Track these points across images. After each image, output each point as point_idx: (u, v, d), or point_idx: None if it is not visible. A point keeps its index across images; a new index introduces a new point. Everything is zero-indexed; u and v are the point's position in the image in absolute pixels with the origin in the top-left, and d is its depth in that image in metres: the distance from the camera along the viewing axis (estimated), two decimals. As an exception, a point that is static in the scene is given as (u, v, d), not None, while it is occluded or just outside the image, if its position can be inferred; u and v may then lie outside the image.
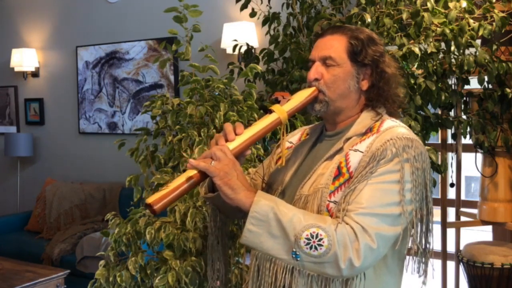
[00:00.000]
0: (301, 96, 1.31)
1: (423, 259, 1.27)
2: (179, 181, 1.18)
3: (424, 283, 1.29)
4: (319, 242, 1.11)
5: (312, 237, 1.12)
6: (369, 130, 1.27)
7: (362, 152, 1.22)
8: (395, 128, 1.26)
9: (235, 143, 1.24)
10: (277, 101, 1.32)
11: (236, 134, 1.25)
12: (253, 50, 3.21)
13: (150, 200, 1.15)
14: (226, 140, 1.25)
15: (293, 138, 1.49)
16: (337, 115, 1.33)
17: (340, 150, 1.28)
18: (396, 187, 1.17)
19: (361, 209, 1.14)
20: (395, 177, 1.17)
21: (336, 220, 1.16)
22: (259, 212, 1.15)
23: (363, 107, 1.33)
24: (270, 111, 1.29)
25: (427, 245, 1.27)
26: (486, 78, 2.56)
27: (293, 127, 2.33)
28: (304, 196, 1.27)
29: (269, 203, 1.16)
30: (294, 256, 1.13)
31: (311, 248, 1.11)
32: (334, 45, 1.30)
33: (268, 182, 1.45)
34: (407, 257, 1.31)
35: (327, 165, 1.27)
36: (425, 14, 2.39)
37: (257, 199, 1.16)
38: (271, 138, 2.54)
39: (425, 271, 1.28)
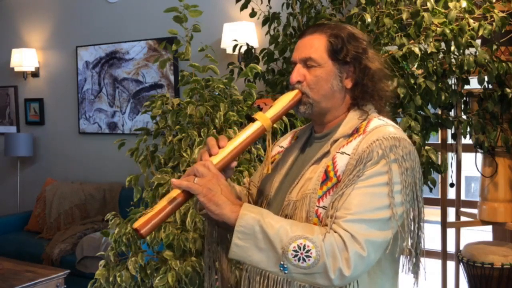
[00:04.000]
0: (284, 101, 1.29)
1: (415, 259, 1.25)
2: (164, 203, 1.16)
3: (415, 283, 1.27)
4: (307, 254, 1.09)
5: (300, 248, 1.09)
6: (356, 131, 1.24)
7: (349, 154, 1.19)
8: (381, 127, 1.22)
9: (219, 157, 1.22)
10: (259, 109, 1.30)
11: (219, 147, 1.23)
12: (253, 50, 3.21)
13: (136, 225, 1.13)
14: (211, 155, 1.22)
15: (284, 142, 1.47)
16: (323, 116, 1.31)
17: (327, 153, 1.25)
18: (384, 189, 1.14)
19: (349, 216, 1.12)
20: (383, 179, 1.15)
21: (324, 229, 1.13)
22: (245, 226, 1.12)
23: (350, 106, 1.30)
24: (254, 120, 1.27)
25: (419, 246, 1.25)
26: (486, 78, 2.55)
27: (293, 127, 2.33)
28: (292, 202, 1.24)
29: (255, 216, 1.13)
30: (281, 268, 1.11)
31: (299, 260, 1.09)
32: (314, 45, 1.27)
33: (259, 188, 1.43)
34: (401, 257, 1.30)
35: (315, 169, 1.25)
36: (425, 14, 2.39)
37: (242, 212, 1.13)
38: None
39: (416, 272, 1.26)
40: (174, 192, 1.17)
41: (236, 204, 1.17)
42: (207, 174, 1.17)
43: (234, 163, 1.27)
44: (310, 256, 1.09)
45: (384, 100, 1.32)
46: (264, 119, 1.26)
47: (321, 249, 1.09)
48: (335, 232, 1.11)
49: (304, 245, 1.09)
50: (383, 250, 1.16)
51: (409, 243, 1.22)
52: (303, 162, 1.32)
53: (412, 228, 1.22)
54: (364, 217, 1.12)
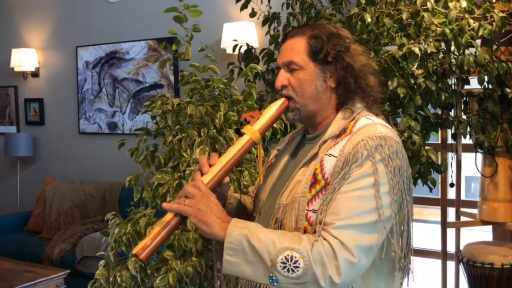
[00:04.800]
0: (271, 111, 1.30)
1: (404, 260, 1.24)
2: (158, 228, 1.19)
3: (406, 283, 1.28)
4: (295, 265, 1.10)
5: (287, 260, 1.10)
6: (343, 132, 1.24)
7: (336, 157, 1.19)
8: (368, 126, 1.21)
9: (210, 175, 1.24)
10: (247, 122, 1.30)
11: (210, 165, 1.24)
12: (253, 50, 3.21)
13: (135, 251, 1.18)
14: (202, 174, 1.24)
15: (282, 144, 1.47)
16: (312, 118, 1.31)
17: (315, 155, 1.25)
18: (371, 191, 1.14)
19: (338, 222, 1.12)
20: (369, 181, 1.14)
21: (313, 237, 1.13)
22: (233, 242, 1.14)
23: (338, 105, 1.30)
24: (242, 134, 1.28)
25: (407, 246, 1.25)
26: (486, 78, 2.55)
27: (292, 127, 2.33)
28: (282, 206, 1.25)
29: (243, 231, 1.14)
30: (270, 281, 1.12)
31: (288, 271, 1.10)
32: (295, 48, 1.27)
33: (256, 194, 1.44)
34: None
35: (304, 171, 1.24)
36: (425, 14, 2.39)
37: (230, 229, 1.15)
38: (271, 138, 2.54)
39: (407, 271, 1.26)
40: (168, 216, 1.20)
41: (225, 222, 1.18)
42: (197, 194, 1.19)
43: (227, 179, 1.29)
44: (298, 267, 1.10)
45: (371, 96, 1.32)
46: (252, 132, 1.27)
47: (308, 258, 1.09)
48: (325, 239, 1.12)
49: (291, 256, 1.10)
50: (375, 252, 1.15)
51: (399, 243, 1.21)
52: (295, 164, 1.31)
53: (402, 228, 1.22)
54: (353, 222, 1.12)
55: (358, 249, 1.10)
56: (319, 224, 1.14)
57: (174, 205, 1.18)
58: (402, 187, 1.18)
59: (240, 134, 1.29)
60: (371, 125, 1.22)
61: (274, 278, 1.11)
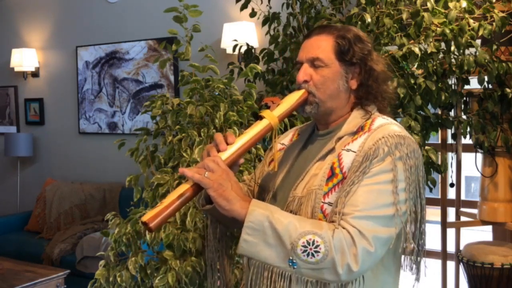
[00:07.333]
0: (291, 100, 1.30)
1: (417, 257, 1.27)
2: (173, 197, 1.16)
3: (417, 280, 1.29)
4: (316, 249, 1.11)
5: (309, 244, 1.11)
6: (361, 129, 1.26)
7: (354, 152, 1.22)
8: (386, 125, 1.25)
9: (228, 153, 1.22)
10: (267, 107, 1.30)
11: (227, 144, 1.24)
12: (253, 50, 3.21)
13: (145, 218, 1.13)
14: (218, 151, 1.23)
15: (285, 139, 1.49)
16: (328, 116, 1.33)
17: (332, 150, 1.27)
18: (389, 187, 1.17)
19: (357, 212, 1.14)
20: (388, 176, 1.17)
21: (332, 225, 1.15)
22: (254, 222, 1.13)
23: (353, 105, 1.32)
24: (261, 118, 1.28)
25: (421, 242, 1.27)
26: (486, 78, 2.55)
27: (293, 127, 2.33)
28: (297, 198, 1.26)
29: (264, 212, 1.15)
30: (290, 264, 1.12)
31: (308, 255, 1.11)
32: (321, 46, 1.29)
33: (261, 185, 1.44)
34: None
35: (320, 165, 1.26)
36: (425, 14, 2.39)
37: (251, 208, 1.15)
38: (271, 138, 2.54)
39: (418, 268, 1.28)
40: (183, 187, 1.17)
41: (245, 200, 1.18)
42: (217, 169, 1.17)
43: (241, 160, 1.28)
44: (319, 252, 1.11)
45: (386, 101, 1.35)
46: (271, 117, 1.27)
47: (329, 244, 1.11)
48: (343, 228, 1.13)
49: (313, 241, 1.11)
50: (388, 246, 1.18)
51: (411, 241, 1.23)
52: (306, 159, 1.33)
53: (415, 226, 1.24)
54: (370, 214, 1.14)
55: (375, 240, 1.12)
56: (337, 215, 1.16)
57: (195, 175, 1.15)
58: (417, 185, 1.22)
59: (257, 117, 1.29)
60: (388, 125, 1.25)
61: (294, 261, 1.12)
